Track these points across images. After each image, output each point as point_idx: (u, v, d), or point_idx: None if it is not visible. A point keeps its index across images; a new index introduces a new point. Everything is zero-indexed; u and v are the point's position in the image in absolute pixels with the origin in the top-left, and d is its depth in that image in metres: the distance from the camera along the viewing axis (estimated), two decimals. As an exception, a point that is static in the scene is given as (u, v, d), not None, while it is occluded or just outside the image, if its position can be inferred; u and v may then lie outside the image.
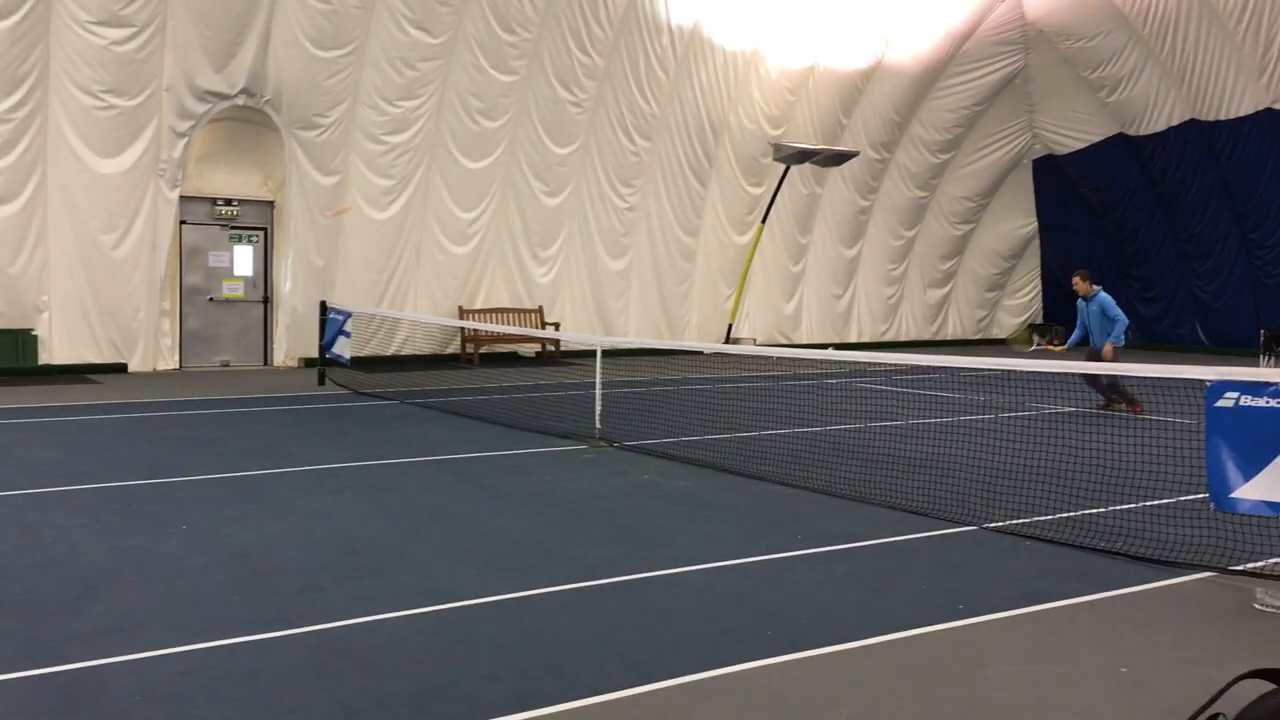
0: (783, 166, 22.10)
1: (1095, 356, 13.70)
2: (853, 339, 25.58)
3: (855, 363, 13.00)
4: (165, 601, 5.54)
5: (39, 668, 4.61)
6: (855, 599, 5.77)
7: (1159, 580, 6.20)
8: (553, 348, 21.09)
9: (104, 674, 4.56)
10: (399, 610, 5.44)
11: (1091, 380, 14.10)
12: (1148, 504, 8.11)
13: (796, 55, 22.23)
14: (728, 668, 4.72)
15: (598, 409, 11.08)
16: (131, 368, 16.81)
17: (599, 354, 11.40)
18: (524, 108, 19.59)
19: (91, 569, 6.12)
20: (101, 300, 16.44)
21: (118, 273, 16.48)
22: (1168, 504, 8.07)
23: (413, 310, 19.15)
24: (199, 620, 5.26)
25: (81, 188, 16.04)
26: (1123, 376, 13.04)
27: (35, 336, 16.01)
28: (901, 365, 14.17)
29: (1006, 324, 28.40)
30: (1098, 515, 7.78)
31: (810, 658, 4.88)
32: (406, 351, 19.58)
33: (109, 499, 7.93)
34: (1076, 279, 13.96)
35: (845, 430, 11.95)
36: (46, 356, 16.16)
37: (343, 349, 15.26)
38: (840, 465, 9.58)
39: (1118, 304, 13.93)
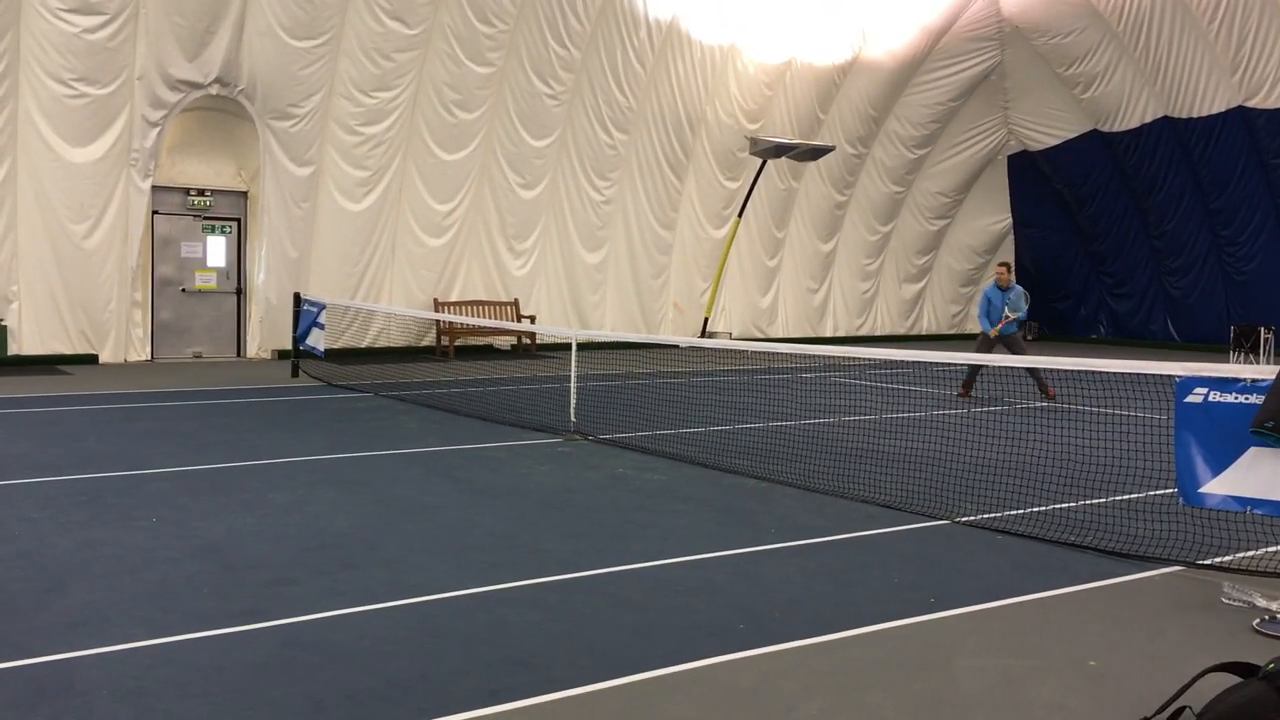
0: (759, 161, 22.13)
1: (1011, 344, 14.75)
2: (828, 333, 25.66)
3: (829, 357, 13.02)
4: (134, 595, 5.50)
5: (4, 661, 4.56)
6: (827, 592, 5.79)
7: (1128, 574, 6.25)
8: (528, 341, 21.05)
9: (70, 667, 4.51)
10: (370, 604, 5.41)
11: (973, 368, 14.89)
12: (1117, 499, 8.17)
13: (774, 50, 22.25)
14: (700, 661, 4.73)
15: (573, 402, 11.06)
16: (102, 359, 16.66)
17: (574, 347, 11.38)
18: (500, 100, 19.52)
19: (59, 562, 6.06)
20: (72, 291, 16.28)
21: (89, 263, 16.32)
22: (1137, 499, 8.14)
23: (388, 302, 19.06)
24: (168, 614, 5.22)
25: (52, 177, 15.87)
26: (1093, 372, 13.23)
27: (5, 327, 15.84)
28: (875, 359, 14.24)
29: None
30: (1068, 510, 7.84)
31: (782, 651, 4.89)
32: (381, 344, 19.50)
33: (78, 491, 7.85)
34: (1002, 269, 15.24)
35: (819, 424, 11.98)
36: (16, 347, 15.99)
37: (316, 341, 15.18)
38: (814, 459, 9.60)
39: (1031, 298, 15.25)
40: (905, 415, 12.89)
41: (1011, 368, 15.01)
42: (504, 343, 21.01)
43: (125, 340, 16.89)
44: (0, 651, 4.67)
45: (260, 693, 4.30)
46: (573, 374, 11.20)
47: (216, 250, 18.23)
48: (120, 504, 7.48)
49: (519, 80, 19.56)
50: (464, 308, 19.91)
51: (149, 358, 17.32)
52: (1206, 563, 6.43)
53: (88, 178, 16.12)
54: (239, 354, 18.45)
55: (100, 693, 4.26)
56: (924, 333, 27.67)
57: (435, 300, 19.71)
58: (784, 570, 6.21)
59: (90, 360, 16.55)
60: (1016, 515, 7.62)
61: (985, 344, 14.78)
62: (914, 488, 8.46)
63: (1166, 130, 23.66)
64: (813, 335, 25.17)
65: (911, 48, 23.93)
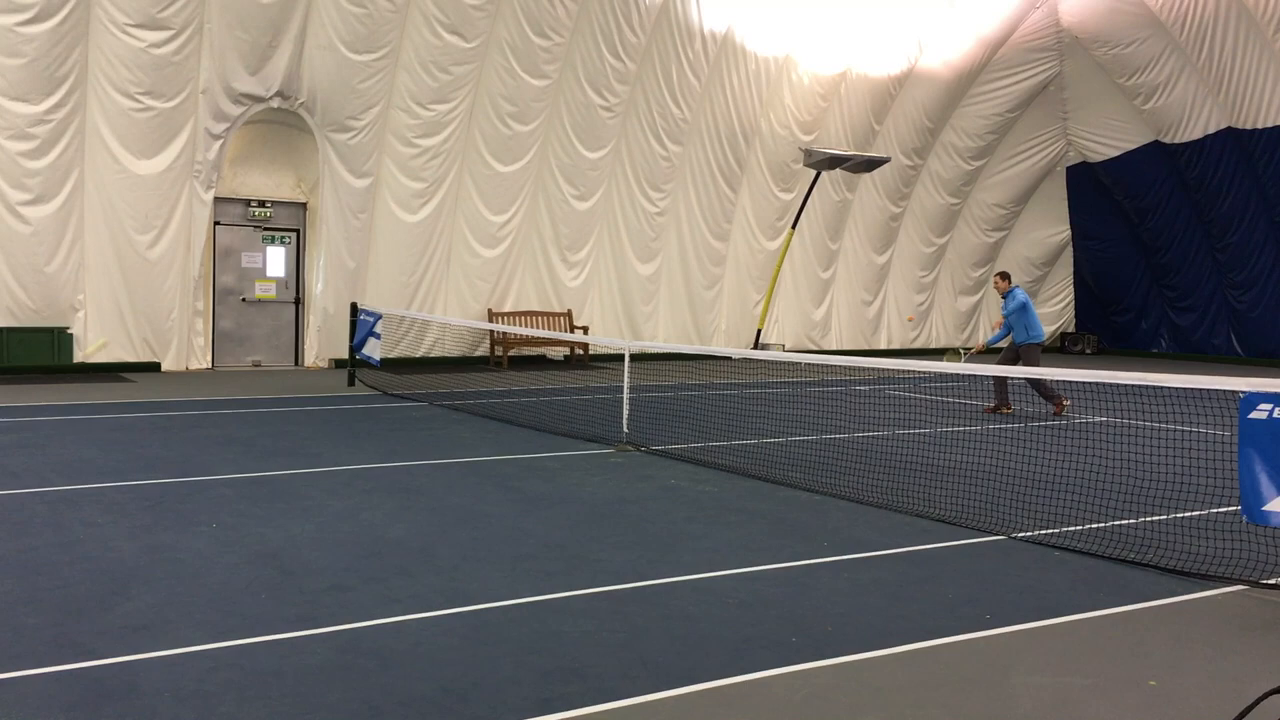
0: (814, 172, 22.05)
1: (1017, 355, 14.49)
2: (882, 346, 25.48)
3: (883, 370, 13.00)
4: (195, 599, 5.59)
5: (69, 663, 4.66)
6: (881, 607, 5.75)
7: (1190, 593, 6.14)
8: (581, 351, 21.13)
9: (134, 670, 4.60)
10: (424, 611, 5.46)
11: (998, 381, 14.51)
12: (1179, 516, 8.03)
13: (829, 61, 22.18)
14: (751, 674, 4.72)
15: (625, 413, 11.09)
16: (165, 367, 16.98)
17: (627, 358, 11.41)
18: (555, 112, 19.65)
19: (122, 566, 6.18)
20: (136, 300, 16.62)
21: (152, 273, 16.65)
22: (1199, 516, 7.99)
23: (442, 313, 19.23)
24: (228, 618, 5.30)
25: (118, 188, 16.23)
26: (1155, 387, 13.03)
27: (71, 335, 16.21)
28: (930, 372, 14.11)
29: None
30: (1128, 526, 7.72)
31: (835, 665, 4.86)
32: (436, 353, 19.67)
33: (141, 496, 8.01)
34: (997, 278, 15.06)
35: (873, 437, 11.90)
36: (81, 355, 16.35)
37: (373, 350, 15.35)
38: (867, 472, 9.54)
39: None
40: (960, 429, 12.77)
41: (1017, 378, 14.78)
42: (557, 353, 21.10)
43: (187, 349, 17.20)
44: (66, 653, 4.78)
45: (317, 697, 4.36)
46: (625, 385, 11.22)
47: (276, 260, 18.52)
48: (182, 509, 7.62)
49: (574, 92, 19.68)
50: (518, 318, 20.04)
51: (210, 366, 17.62)
52: (1271, 582, 6.30)
53: (152, 189, 16.45)
54: (297, 363, 18.71)
55: (163, 695, 4.35)
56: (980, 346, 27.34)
57: (489, 311, 19.86)
58: (837, 584, 6.17)
59: (153, 368, 16.87)
60: (1075, 531, 7.52)
61: (1008, 359, 14.59)
62: (969, 502, 8.38)
63: (1230, 141, 23.24)
64: (866, 348, 25.01)
65: (969, 58, 23.73)
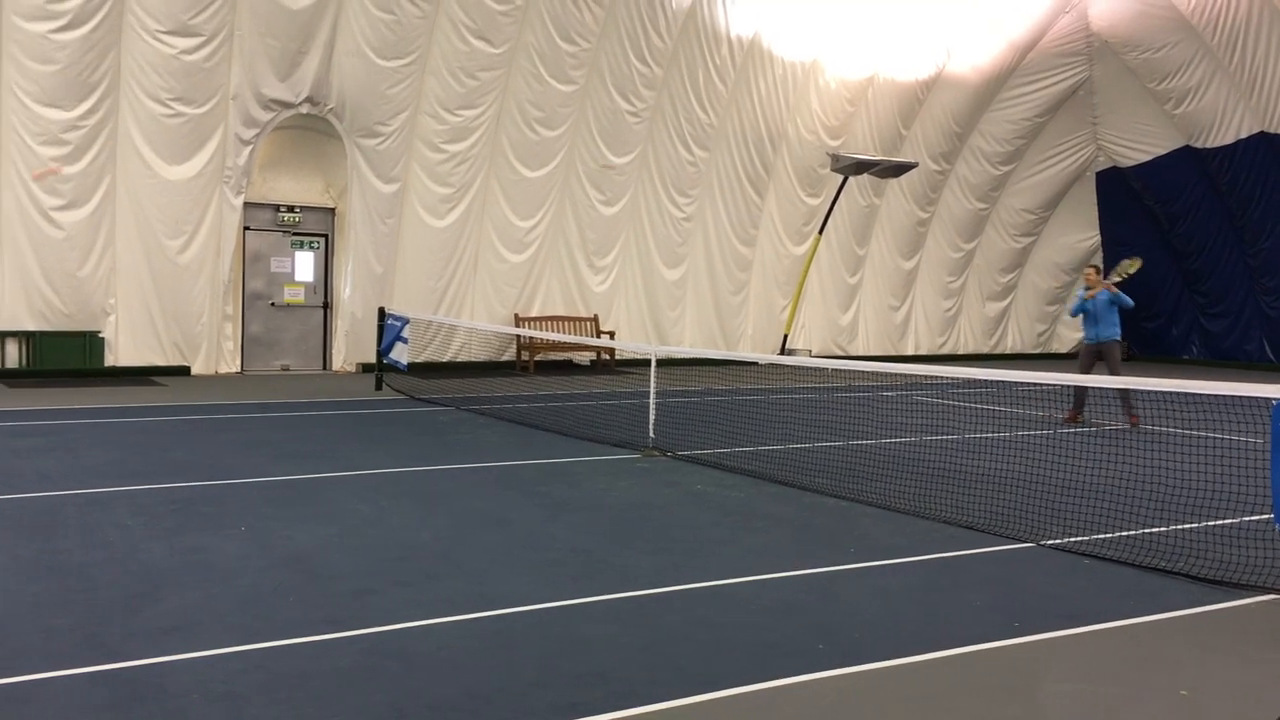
0: (841, 177, 21.99)
1: (1100, 353, 14.16)
2: (909, 351, 25.36)
3: (910, 375, 12.98)
4: (224, 601, 5.63)
5: (99, 664, 4.70)
6: (908, 614, 5.71)
7: (1221, 602, 6.07)
8: (607, 356, 21.14)
9: (163, 672, 4.64)
10: (450, 615, 5.48)
11: (1079, 391, 14.21)
12: (1210, 524, 7.94)
13: (856, 65, 22.13)
14: (777, 680, 4.70)
15: (651, 418, 11.08)
16: (194, 370, 17.12)
17: (653, 363, 11.41)
18: (582, 117, 19.69)
19: (152, 568, 6.23)
20: (166, 304, 16.77)
21: (183, 277, 16.80)
22: (1231, 524, 7.91)
23: (469, 317, 19.30)
24: (256, 620, 5.33)
25: (149, 193, 16.38)
26: (1186, 394, 12.88)
27: (102, 339, 16.37)
28: (957, 378, 14.04)
29: (1068, 338, 27.99)
30: (1158, 535, 7.64)
31: (861, 672, 4.84)
32: (462, 358, 19.74)
33: (170, 499, 8.07)
34: (1092, 270, 14.78)
35: (900, 443, 11.84)
36: (113, 358, 16.52)
37: (400, 355, 15.42)
38: (894, 479, 9.49)
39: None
40: (988, 435, 12.69)
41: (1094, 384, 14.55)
42: (583, 358, 21.13)
43: (216, 352, 17.34)
44: (96, 654, 4.82)
45: (344, 700, 4.38)
46: (651, 390, 11.22)
47: (305, 265, 18.64)
48: (211, 512, 7.68)
49: (601, 97, 19.71)
50: (544, 323, 20.08)
51: (239, 370, 17.75)
52: (1304, 592, 6.23)
53: (183, 194, 16.61)
54: (324, 367, 18.82)
55: (192, 696, 4.38)
56: (1008, 351, 27.19)
57: (516, 315, 19.91)
58: (863, 591, 6.14)
59: (183, 372, 17.01)
60: (1104, 539, 7.45)
61: (1086, 361, 14.40)
62: (997, 509, 8.32)
63: (1263, 146, 23.00)
64: (894, 353, 24.90)
65: (997, 63, 23.61)
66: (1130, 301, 14.18)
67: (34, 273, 15.81)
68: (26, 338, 15.93)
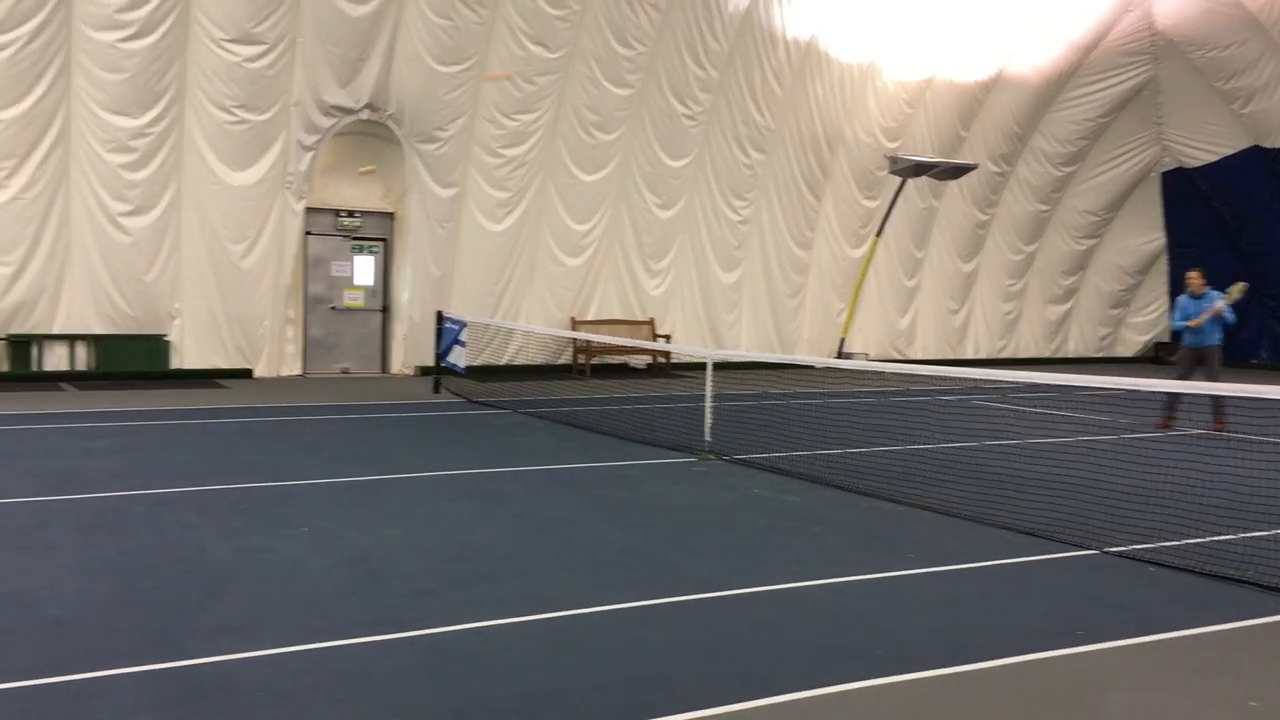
0: (899, 180, 21.81)
1: (1201, 357, 14.02)
2: (968, 355, 25.07)
3: (970, 379, 12.83)
4: (286, 601, 5.71)
5: (166, 661, 4.79)
6: (969, 621, 5.65)
7: (1293, 612, 5.93)
8: (664, 360, 21.14)
9: (228, 669, 4.71)
10: (509, 617, 5.50)
11: (1215, 399, 14.00)
12: (1281, 532, 7.76)
13: (914, 67, 21.93)
14: (837, 686, 4.67)
15: (708, 422, 11.06)
16: (257, 373, 17.37)
17: (710, 367, 11.39)
18: (638, 121, 19.71)
19: (216, 567, 6.33)
20: (230, 308, 17.04)
21: (245, 281, 17.06)
22: (1303, 532, 7.72)
23: (526, 321, 19.40)
24: (318, 620, 5.40)
25: (213, 199, 16.66)
26: (1257, 399, 12.62)
27: (168, 342, 16.68)
28: (1018, 382, 13.83)
29: (1131, 341, 27.51)
30: (1228, 542, 7.48)
31: (922, 679, 4.79)
32: (519, 361, 19.84)
33: (234, 500, 8.20)
34: (1195, 275, 14.57)
35: (959, 448, 11.71)
36: (178, 361, 16.81)
37: (458, 358, 15.53)
38: (953, 484, 9.39)
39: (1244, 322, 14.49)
40: (1050, 440, 12.51)
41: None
42: (639, 361, 21.14)
43: (278, 355, 17.59)
44: (162, 652, 4.91)
45: (404, 700, 4.42)
46: (708, 393, 11.19)
47: (364, 269, 18.84)
48: (274, 513, 7.79)
49: (657, 101, 19.72)
50: (600, 326, 20.12)
51: (300, 373, 17.99)
52: (1381, 602, 6.06)
53: (246, 200, 16.87)
54: (383, 370, 19.01)
55: (256, 694, 4.44)
56: (1070, 356, 26.78)
57: (572, 319, 19.98)
58: (923, 596, 6.08)
59: (245, 375, 17.27)
60: (1171, 547, 7.31)
61: (1186, 365, 14.18)
62: (1060, 516, 8.19)
63: (1334, 145, 22.47)
64: (952, 357, 24.62)
65: (1059, 63, 23.28)
66: (1234, 318, 14.26)
67: (102, 277, 16.14)
68: (95, 341, 16.28)
